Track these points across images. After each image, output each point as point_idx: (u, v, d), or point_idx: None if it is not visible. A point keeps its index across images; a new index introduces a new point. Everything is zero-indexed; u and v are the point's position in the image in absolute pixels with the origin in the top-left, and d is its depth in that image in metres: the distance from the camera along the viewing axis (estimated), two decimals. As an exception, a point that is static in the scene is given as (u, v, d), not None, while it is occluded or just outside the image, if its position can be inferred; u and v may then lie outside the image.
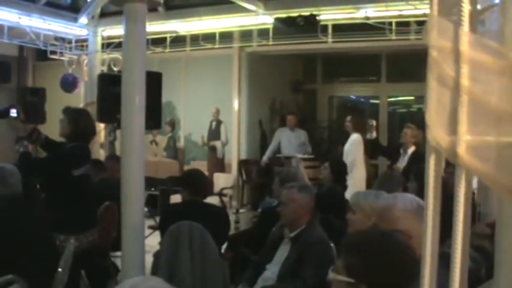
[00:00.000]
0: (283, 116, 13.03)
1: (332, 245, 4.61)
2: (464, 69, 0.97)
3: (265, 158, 12.04)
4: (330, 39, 10.85)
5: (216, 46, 12.01)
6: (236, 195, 12.52)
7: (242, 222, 6.90)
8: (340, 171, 7.16)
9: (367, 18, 9.86)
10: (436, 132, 1.00)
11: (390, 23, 9.82)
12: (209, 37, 11.94)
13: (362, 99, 15.87)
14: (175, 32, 11.81)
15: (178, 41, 12.27)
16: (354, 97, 16.00)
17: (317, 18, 9.93)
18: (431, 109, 1.02)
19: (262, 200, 7.31)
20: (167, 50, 12.21)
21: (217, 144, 12.70)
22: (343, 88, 15.66)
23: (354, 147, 9.83)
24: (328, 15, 10.26)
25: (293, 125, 11.92)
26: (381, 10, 9.71)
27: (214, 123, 12.81)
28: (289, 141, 11.80)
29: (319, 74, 15.42)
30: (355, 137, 9.86)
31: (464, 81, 0.97)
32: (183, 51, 12.68)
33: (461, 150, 0.96)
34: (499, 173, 0.93)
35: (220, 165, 12.84)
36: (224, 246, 5.79)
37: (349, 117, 10.37)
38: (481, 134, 0.96)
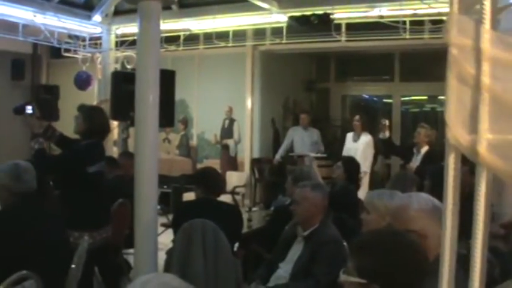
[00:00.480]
0: (296, 114, 13.01)
1: (345, 244, 4.59)
2: (485, 67, 0.96)
3: (278, 156, 12.03)
4: (343, 38, 10.83)
5: (230, 44, 12.03)
6: (249, 193, 12.52)
7: (255, 221, 6.90)
8: (353, 170, 7.14)
9: (381, 17, 9.83)
10: (456, 131, 0.99)
11: (404, 22, 9.78)
12: (223, 35, 11.95)
13: (375, 99, 15.82)
14: (189, 30, 11.82)
15: (191, 39, 12.28)
16: (367, 96, 15.95)
17: (331, 16, 9.91)
18: (451, 108, 1.01)
19: (275, 198, 7.31)
20: (181, 48, 12.23)
21: (230, 142, 12.70)
22: (356, 87, 15.62)
23: (368, 148, 9.92)
24: (342, 14, 10.25)
25: (306, 123, 11.90)
26: (395, 9, 9.68)
27: (227, 122, 12.81)
28: (302, 140, 11.78)
29: (332, 73, 15.39)
30: (368, 138, 9.94)
31: (485, 79, 0.96)
32: (197, 50, 12.69)
33: (482, 148, 0.95)
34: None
35: (233, 163, 12.84)
36: (237, 245, 5.79)
37: (357, 117, 10.37)
38: (502, 132, 0.95)
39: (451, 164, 1.04)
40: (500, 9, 1.06)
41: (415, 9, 9.43)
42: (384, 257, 2.16)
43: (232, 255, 5.29)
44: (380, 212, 3.78)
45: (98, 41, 12.84)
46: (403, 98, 14.68)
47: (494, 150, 0.95)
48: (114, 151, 11.35)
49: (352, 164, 7.28)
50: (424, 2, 9.01)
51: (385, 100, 15.31)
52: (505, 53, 0.95)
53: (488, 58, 0.96)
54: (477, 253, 1.00)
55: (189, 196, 9.01)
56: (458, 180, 1.05)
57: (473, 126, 0.97)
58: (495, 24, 1.04)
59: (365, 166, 9.63)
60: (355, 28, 10.75)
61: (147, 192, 5.31)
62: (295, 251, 4.76)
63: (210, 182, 5.59)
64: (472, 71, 0.98)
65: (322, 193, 4.80)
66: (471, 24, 1.00)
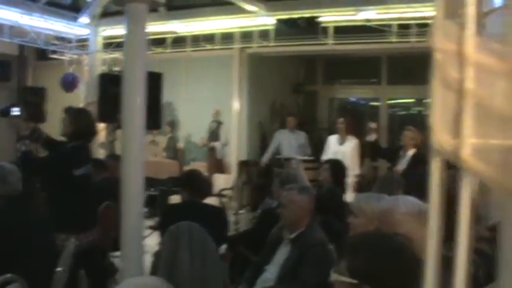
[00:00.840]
0: (284, 117, 13.02)
1: (332, 246, 4.61)
2: (469, 72, 0.97)
3: (264, 159, 12.03)
4: (330, 41, 10.87)
5: (217, 47, 12.03)
6: (236, 196, 12.51)
7: (242, 223, 6.90)
8: (339, 173, 7.17)
9: (368, 20, 9.87)
10: (440, 135, 1.00)
11: (391, 26, 9.84)
12: (210, 38, 11.95)
13: (362, 101, 15.87)
14: (175, 32, 11.83)
15: (179, 41, 12.28)
16: (354, 99, 16.00)
17: (318, 20, 9.94)
18: (435, 112, 1.02)
19: (262, 201, 7.31)
20: (168, 51, 12.23)
21: (217, 145, 12.69)
22: (344, 90, 15.66)
23: (355, 151, 9.96)
24: (329, 17, 10.28)
25: (293, 126, 11.91)
26: (382, 12, 9.73)
27: (214, 124, 12.80)
28: (289, 142, 11.79)
29: (319, 76, 15.42)
30: (355, 141, 9.98)
31: (469, 84, 0.97)
32: (184, 52, 12.68)
33: (466, 153, 0.96)
34: (503, 176, 0.93)
35: (220, 166, 12.83)
36: (224, 247, 5.79)
37: (341, 119, 10.39)
38: (486, 137, 0.96)
39: (435, 168, 1.05)
40: (484, 13, 1.07)
41: (402, 13, 9.49)
42: (376, 258, 2.16)
43: (219, 258, 5.29)
44: (367, 215, 3.78)
45: (85, 43, 12.81)
46: (390, 101, 14.74)
47: (478, 154, 0.96)
48: (101, 153, 11.32)
49: (338, 167, 7.31)
50: (411, 6, 9.07)
51: (372, 103, 15.36)
52: (489, 59, 0.96)
53: (472, 63, 0.97)
54: (461, 256, 1.01)
55: (176, 199, 8.99)
56: (443, 184, 1.06)
57: (457, 130, 0.98)
58: (480, 29, 1.04)
59: (353, 169, 9.65)
60: (343, 31, 10.79)
61: (133, 195, 5.30)
62: (282, 254, 4.76)
63: (195, 184, 5.60)
64: (456, 76, 0.98)
65: (308, 196, 4.81)
66: (455, 29, 1.01)
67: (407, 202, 2.94)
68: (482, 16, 1.02)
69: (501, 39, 0.97)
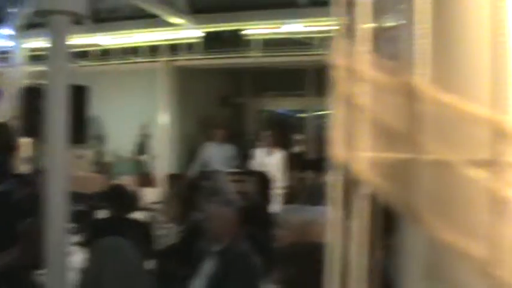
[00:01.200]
0: (212, 130, 13.01)
1: (257, 258, 4.63)
2: (364, 88, 1.01)
3: (192, 172, 11.98)
4: (257, 54, 10.96)
5: (144, 60, 11.96)
6: (164, 209, 12.40)
7: (169, 237, 6.86)
8: (265, 185, 7.22)
9: (292, 33, 10.02)
10: (338, 149, 1.04)
11: (313, 38, 10.00)
12: (136, 51, 11.87)
13: (290, 113, 16.03)
14: (99, 45, 11.70)
15: (106, 54, 12.15)
16: (282, 111, 16.15)
17: (243, 33, 10.03)
18: (333, 126, 1.06)
19: (189, 214, 7.28)
20: (95, 64, 12.08)
21: (145, 158, 12.59)
22: (271, 102, 15.78)
23: (282, 162, 10.04)
24: (254, 30, 10.38)
25: (221, 139, 11.92)
26: (306, 25, 9.89)
27: (142, 138, 12.70)
28: (217, 155, 11.79)
29: (247, 88, 15.50)
30: (282, 153, 10.06)
31: (364, 100, 1.01)
32: (111, 65, 12.55)
33: (361, 166, 1.00)
34: (396, 189, 0.97)
35: (148, 179, 12.71)
36: (151, 262, 5.75)
37: (267, 132, 10.48)
38: (380, 150, 1.00)
39: (333, 181, 1.08)
40: (380, 32, 1.12)
41: (325, 26, 9.65)
42: (306, 267, 2.19)
43: (146, 273, 5.24)
44: (292, 226, 3.83)
45: (8, 55, 12.52)
46: (316, 113, 14.92)
47: (373, 168, 1.00)
48: (24, 168, 11.07)
49: (264, 179, 7.36)
50: (333, 19, 9.23)
51: (299, 115, 15.52)
52: (382, 75, 1.01)
53: (366, 79, 1.01)
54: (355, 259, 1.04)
55: (103, 214, 8.86)
56: (342, 195, 1.09)
57: (353, 144, 1.02)
58: (377, 47, 1.09)
59: (280, 181, 9.73)
60: (269, 44, 10.90)
61: (56, 210, 5.19)
62: (209, 267, 4.76)
63: (120, 199, 5.55)
64: (352, 91, 1.03)
65: (233, 209, 4.83)
66: (351, 47, 1.05)
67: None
68: (378, 35, 1.06)
69: (393, 56, 1.01)
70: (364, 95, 1.01)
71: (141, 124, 12.63)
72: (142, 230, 5.57)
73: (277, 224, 4.05)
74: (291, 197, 9.93)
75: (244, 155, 12.81)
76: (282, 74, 14.63)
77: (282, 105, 15.86)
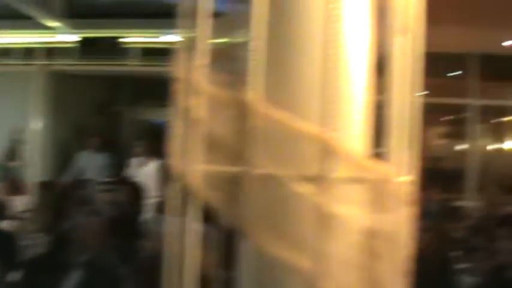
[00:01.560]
0: (87, 137, 12.72)
1: (122, 270, 4.57)
2: (199, 101, 1.02)
3: (64, 180, 11.65)
4: (135, 62, 10.86)
5: (17, 63, 11.56)
6: (33, 218, 11.98)
7: (38, 246, 6.64)
8: (137, 194, 7.14)
9: (171, 43, 10.01)
10: (175, 161, 1.04)
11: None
12: (9, 52, 11.46)
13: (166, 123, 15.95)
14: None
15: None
16: (159, 121, 16.03)
17: (122, 40, 9.92)
18: (171, 138, 1.07)
19: (59, 224, 7.08)
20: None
21: (15, 165, 12.13)
22: (149, 111, 15.63)
23: (157, 172, 9.95)
24: (133, 39, 10.30)
25: (96, 147, 11.69)
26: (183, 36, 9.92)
27: (13, 143, 12.23)
28: (91, 164, 11.54)
29: (125, 97, 15.27)
30: (157, 163, 9.98)
31: (199, 113, 1.02)
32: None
33: (195, 179, 1.01)
34: (226, 202, 0.98)
35: (17, 187, 12.24)
36: (15, 273, 5.54)
37: (141, 142, 10.39)
38: (214, 163, 1.02)
39: (172, 193, 1.09)
40: (227, 48, 1.14)
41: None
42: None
43: (7, 286, 5.05)
44: (157, 237, 3.81)
45: None
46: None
47: (207, 181, 1.01)
48: None
49: (136, 189, 7.28)
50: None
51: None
52: (218, 90, 1.02)
53: (202, 92, 1.03)
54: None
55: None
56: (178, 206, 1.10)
57: (189, 157, 1.03)
58: (222, 63, 1.11)
59: (154, 190, 9.65)
60: (148, 53, 10.83)
61: None
62: (74, 279, 4.65)
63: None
64: (188, 104, 1.04)
65: (100, 219, 4.76)
66: (191, 60, 1.06)
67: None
68: (217, 52, 1.08)
69: (229, 70, 1.03)
70: (199, 108, 1.03)
71: (12, 129, 12.16)
72: (7, 240, 5.35)
73: (145, 234, 4.02)
74: (163, 207, 9.86)
75: (119, 165, 12.62)
76: (161, 84, 14.53)
77: (160, 114, 15.76)
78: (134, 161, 10.51)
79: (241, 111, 0.97)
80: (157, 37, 10.15)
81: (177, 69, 1.09)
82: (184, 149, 1.04)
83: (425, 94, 1.47)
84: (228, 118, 1.01)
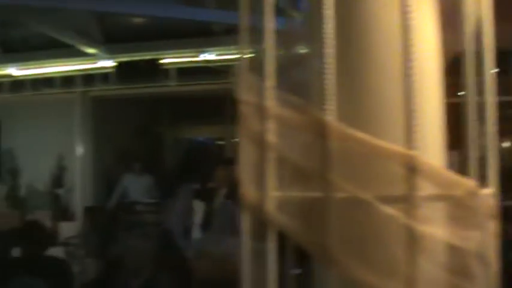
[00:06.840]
0: (129, 161, 12.81)
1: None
2: (270, 125, 0.98)
3: (110, 204, 11.73)
4: (173, 83, 10.92)
5: (57, 90, 11.70)
6: (82, 244, 12.08)
7: (89, 272, 6.67)
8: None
9: (208, 61, 10.05)
10: (247, 188, 1.00)
11: (229, 66, 10.05)
12: (49, 81, 11.61)
13: (209, 141, 16.00)
14: (11, 75, 11.41)
15: (17, 85, 11.82)
16: (201, 139, 16.11)
17: (159, 62, 9.98)
18: (241, 165, 1.02)
19: (109, 248, 7.11)
20: (6, 95, 11.74)
21: (61, 192, 12.27)
22: (190, 130, 15.70)
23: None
24: (170, 59, 10.36)
25: (138, 169, 11.76)
26: (221, 54, 9.95)
27: (57, 170, 12.38)
28: (135, 186, 11.61)
29: (164, 117, 15.37)
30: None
31: (270, 137, 0.98)
32: (23, 96, 12.21)
33: (269, 206, 0.96)
34: (304, 229, 0.93)
35: (64, 213, 12.38)
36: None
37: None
38: (287, 189, 0.97)
39: (245, 221, 1.04)
40: (287, 63, 1.09)
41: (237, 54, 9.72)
42: None
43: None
44: (211, 257, 3.78)
45: None
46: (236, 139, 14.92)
47: (280, 207, 0.97)
48: None
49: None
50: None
51: (219, 142, 15.51)
52: (288, 111, 0.98)
53: (272, 116, 0.98)
54: None
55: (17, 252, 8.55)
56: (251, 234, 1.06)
57: (261, 183, 0.98)
58: (283, 78, 1.06)
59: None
60: (185, 72, 10.87)
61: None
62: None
63: (34, 236, 5.34)
64: (258, 129, 0.99)
65: (151, 243, 4.74)
66: (257, 82, 1.02)
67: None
68: (283, 69, 1.04)
69: (297, 87, 0.99)
70: (270, 132, 0.98)
71: (56, 156, 12.31)
72: (59, 268, 5.36)
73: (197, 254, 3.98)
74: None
75: (163, 185, 12.66)
76: (200, 102, 14.61)
77: (201, 133, 15.81)
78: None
79: (316, 134, 0.92)
80: (194, 56, 10.19)
81: (241, 90, 1.05)
82: (257, 176, 0.99)
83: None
84: (303, 141, 0.97)
